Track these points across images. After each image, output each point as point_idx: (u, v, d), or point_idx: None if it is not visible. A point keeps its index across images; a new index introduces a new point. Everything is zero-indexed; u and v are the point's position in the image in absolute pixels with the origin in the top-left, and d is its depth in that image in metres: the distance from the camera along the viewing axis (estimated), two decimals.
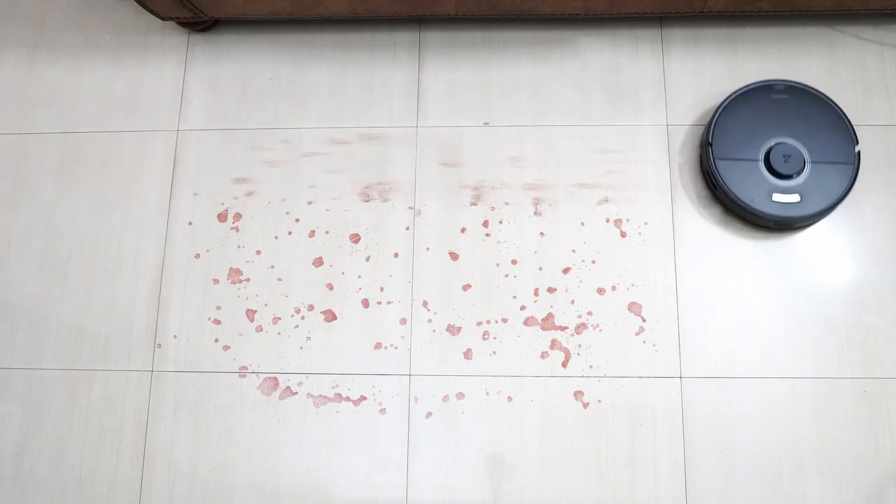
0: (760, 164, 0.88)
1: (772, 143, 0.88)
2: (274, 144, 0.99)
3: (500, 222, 0.95)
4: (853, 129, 0.90)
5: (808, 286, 0.91)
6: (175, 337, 0.93)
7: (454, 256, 0.94)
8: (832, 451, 0.87)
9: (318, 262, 0.94)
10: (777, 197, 0.87)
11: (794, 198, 0.87)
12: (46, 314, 0.95)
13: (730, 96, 0.91)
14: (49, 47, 1.05)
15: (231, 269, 0.95)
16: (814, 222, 0.91)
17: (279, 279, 0.94)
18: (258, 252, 0.95)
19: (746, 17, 1.00)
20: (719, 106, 0.91)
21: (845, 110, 0.96)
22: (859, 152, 0.88)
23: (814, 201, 0.88)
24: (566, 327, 0.91)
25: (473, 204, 0.95)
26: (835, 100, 0.96)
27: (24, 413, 0.92)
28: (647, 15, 0.95)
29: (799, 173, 0.88)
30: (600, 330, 0.91)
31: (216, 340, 0.93)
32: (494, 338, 0.91)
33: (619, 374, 0.90)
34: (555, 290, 0.92)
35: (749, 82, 0.93)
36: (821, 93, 0.91)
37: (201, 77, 1.02)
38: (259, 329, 0.93)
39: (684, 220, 0.94)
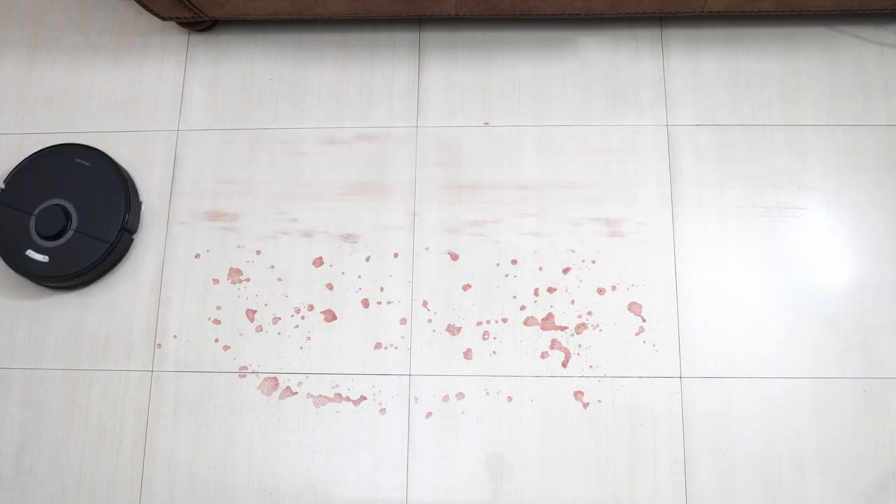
0: (32, 218, 0.92)
1: (49, 202, 0.92)
2: (274, 144, 0.99)
3: (500, 222, 0.95)
4: (128, 213, 0.93)
5: (808, 286, 0.91)
6: (175, 337, 0.93)
7: (454, 256, 0.94)
8: (832, 451, 0.87)
9: (318, 262, 0.94)
10: (30, 253, 0.91)
11: (44, 258, 0.91)
12: (46, 314, 0.95)
13: (37, 152, 0.96)
14: (49, 47, 1.05)
15: (231, 269, 0.95)
16: (61, 285, 0.94)
17: (279, 279, 0.94)
18: (258, 252, 0.95)
19: (746, 17, 1.00)
20: (26, 158, 0.96)
21: (845, 110, 0.96)
22: (122, 233, 0.92)
23: (60, 266, 0.91)
24: (566, 327, 0.91)
25: (473, 204, 0.95)
26: (834, 100, 0.96)
27: (24, 413, 0.92)
28: (647, 15, 0.95)
29: (58, 237, 0.92)
30: (600, 330, 0.91)
31: (216, 340, 0.93)
32: (494, 338, 0.91)
33: (619, 374, 0.90)
34: (555, 290, 0.92)
35: (62, 143, 0.97)
36: (121, 169, 0.96)
37: (201, 77, 1.02)
38: (259, 329, 0.93)
39: (684, 220, 0.94)
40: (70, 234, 0.91)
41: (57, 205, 0.92)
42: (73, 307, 0.95)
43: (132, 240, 0.95)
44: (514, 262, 0.93)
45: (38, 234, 0.91)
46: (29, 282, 0.95)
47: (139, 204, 0.95)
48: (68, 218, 0.92)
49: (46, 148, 0.96)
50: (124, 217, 0.92)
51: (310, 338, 0.92)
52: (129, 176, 0.95)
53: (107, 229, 0.92)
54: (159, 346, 0.93)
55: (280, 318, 0.93)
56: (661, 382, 0.89)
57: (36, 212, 0.92)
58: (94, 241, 0.91)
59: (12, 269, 0.92)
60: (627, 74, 0.99)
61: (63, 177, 0.94)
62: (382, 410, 0.90)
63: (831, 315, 0.90)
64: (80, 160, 0.94)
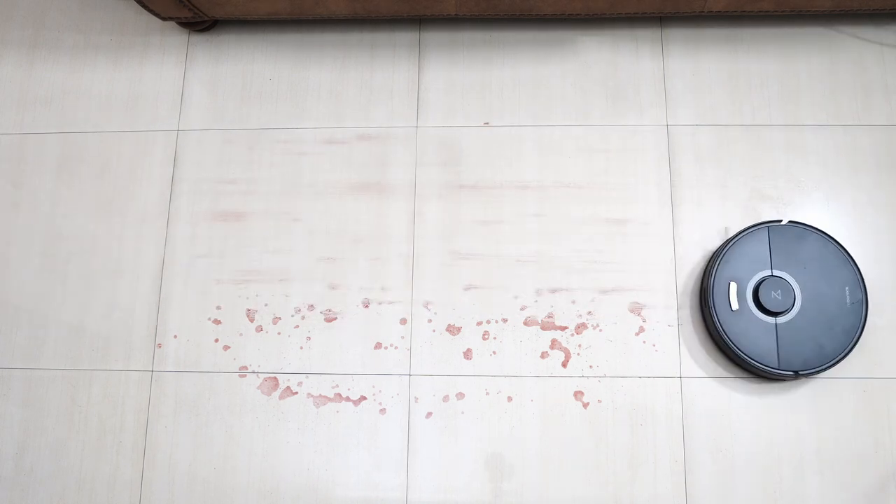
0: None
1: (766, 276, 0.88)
2: (274, 144, 0.99)
3: (501, 222, 0.95)
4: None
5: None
6: (175, 337, 0.93)
7: (454, 256, 0.94)
8: (832, 451, 0.87)
9: (319, 262, 0.94)
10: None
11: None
12: (46, 314, 0.95)
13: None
14: (49, 47, 1.05)
15: (231, 268, 0.95)
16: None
17: (279, 279, 0.94)
18: (258, 252, 0.95)
19: (746, 17, 1.00)
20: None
21: (845, 110, 0.96)
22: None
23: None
24: (566, 327, 0.91)
25: (473, 204, 0.95)
26: (834, 100, 0.96)
27: (24, 413, 0.92)
28: (647, 15, 0.95)
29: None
30: (600, 330, 0.91)
31: (216, 340, 0.93)
32: (494, 338, 0.91)
33: (619, 374, 0.90)
34: (554, 290, 0.92)
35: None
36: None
37: (201, 77, 1.02)
38: (259, 329, 0.93)
39: (684, 220, 0.94)
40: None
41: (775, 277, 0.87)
42: (74, 307, 0.95)
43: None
44: (514, 262, 0.93)
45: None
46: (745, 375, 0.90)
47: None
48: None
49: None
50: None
51: (310, 338, 0.92)
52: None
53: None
54: (159, 346, 0.93)
55: (280, 318, 0.93)
56: (661, 382, 0.89)
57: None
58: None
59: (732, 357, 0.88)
60: (627, 74, 0.99)
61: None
62: (382, 410, 0.90)
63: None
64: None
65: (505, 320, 0.91)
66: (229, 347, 0.93)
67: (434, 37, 1.02)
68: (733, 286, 0.86)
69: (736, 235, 0.89)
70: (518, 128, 0.98)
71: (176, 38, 1.04)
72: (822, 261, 0.88)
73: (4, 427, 0.92)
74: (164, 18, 0.98)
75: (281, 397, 0.91)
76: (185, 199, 0.98)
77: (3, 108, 1.03)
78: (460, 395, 0.90)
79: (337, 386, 0.91)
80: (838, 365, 0.86)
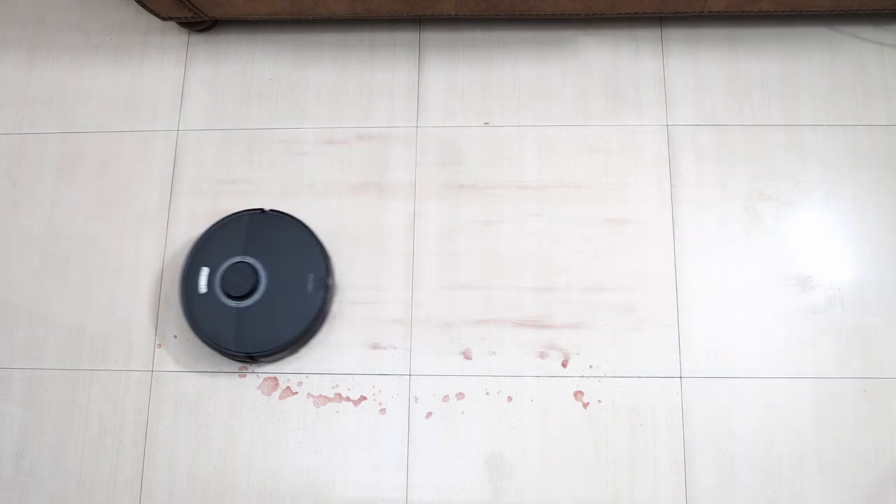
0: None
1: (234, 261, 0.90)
2: (274, 144, 0.99)
3: (501, 222, 0.95)
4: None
5: (808, 286, 0.91)
6: (175, 337, 0.93)
7: (454, 256, 0.94)
8: (832, 451, 0.87)
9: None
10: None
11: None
12: (46, 314, 0.95)
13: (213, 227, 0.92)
14: (49, 47, 1.05)
15: None
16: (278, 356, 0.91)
17: None
18: None
19: (746, 17, 1.00)
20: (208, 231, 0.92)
21: (845, 110, 0.96)
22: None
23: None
24: (566, 327, 0.91)
25: (473, 204, 0.95)
26: (834, 100, 0.96)
27: (24, 413, 0.92)
28: (647, 15, 0.95)
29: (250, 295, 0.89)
30: (600, 330, 0.91)
31: None
32: (494, 338, 0.91)
33: (618, 374, 0.90)
34: (555, 289, 0.92)
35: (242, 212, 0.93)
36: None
37: (201, 77, 1.02)
38: None
39: (684, 220, 0.94)
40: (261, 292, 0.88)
41: (241, 262, 0.89)
42: (74, 307, 0.95)
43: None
44: (513, 261, 0.93)
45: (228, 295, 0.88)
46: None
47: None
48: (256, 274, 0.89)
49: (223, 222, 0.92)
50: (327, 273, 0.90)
51: (310, 337, 0.92)
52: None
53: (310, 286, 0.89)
54: (159, 346, 0.93)
55: None
56: (661, 382, 0.89)
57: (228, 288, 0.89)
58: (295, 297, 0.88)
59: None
60: (627, 74, 0.99)
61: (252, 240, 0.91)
62: (382, 410, 0.90)
63: (831, 315, 0.90)
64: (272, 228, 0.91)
65: (505, 320, 0.91)
66: None
67: (434, 37, 1.02)
68: (204, 270, 0.88)
69: (219, 222, 0.91)
70: (518, 128, 0.98)
71: (176, 38, 1.04)
72: (294, 249, 0.90)
73: (4, 427, 0.92)
74: (164, 18, 0.98)
75: (281, 397, 0.91)
76: (185, 199, 0.98)
77: (3, 108, 1.03)
78: (460, 395, 0.90)
79: (337, 386, 0.91)
80: (839, 366, 0.86)
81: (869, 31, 0.99)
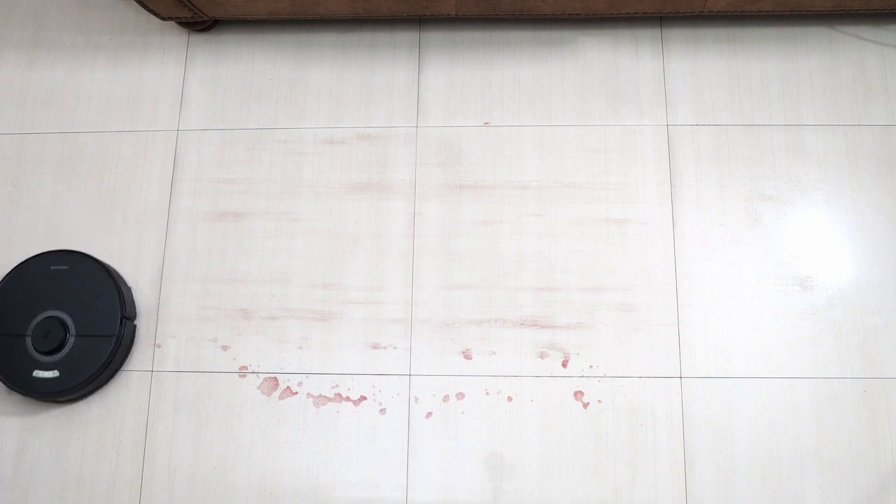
0: (28, 339, 0.88)
1: (40, 317, 0.88)
2: (274, 144, 0.99)
3: (500, 222, 0.95)
4: (122, 301, 0.90)
5: (808, 286, 0.91)
6: (175, 337, 0.93)
7: (454, 256, 0.94)
8: (832, 451, 0.87)
9: (318, 262, 0.94)
10: (38, 373, 0.87)
11: (54, 373, 0.87)
12: None
13: (7, 276, 0.91)
14: (49, 47, 1.05)
15: (231, 268, 0.95)
16: (77, 395, 0.90)
17: (279, 279, 0.94)
18: (258, 252, 0.95)
19: (746, 17, 1.00)
20: None
21: (845, 110, 0.96)
22: (125, 321, 0.89)
23: (72, 376, 0.87)
24: (566, 327, 0.91)
25: (473, 204, 0.95)
26: (834, 100, 0.96)
27: (24, 413, 0.92)
28: (647, 15, 0.95)
29: (60, 348, 0.87)
30: (600, 330, 0.91)
31: (216, 340, 0.93)
32: (494, 338, 0.91)
33: (619, 374, 0.90)
34: (554, 289, 0.92)
35: (30, 255, 0.93)
36: (99, 261, 0.92)
37: (201, 77, 1.02)
38: (259, 329, 0.93)
39: (684, 220, 0.94)
40: (72, 340, 0.88)
41: (50, 317, 0.88)
42: None
43: (134, 326, 0.92)
44: (513, 261, 0.93)
45: (38, 352, 0.88)
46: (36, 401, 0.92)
47: (129, 290, 0.93)
48: (65, 327, 0.88)
49: (15, 268, 0.91)
50: (121, 306, 0.89)
51: (310, 338, 0.92)
52: (110, 267, 0.92)
53: (107, 324, 0.89)
54: (159, 346, 0.93)
55: (280, 318, 0.93)
56: (661, 382, 0.89)
57: (30, 331, 0.88)
58: (98, 340, 0.88)
59: (21, 393, 0.89)
60: (627, 74, 0.99)
61: (46, 288, 0.90)
62: (382, 410, 0.90)
63: (831, 315, 0.90)
64: (55, 267, 0.90)
65: (505, 320, 0.92)
66: (229, 347, 0.93)
67: (434, 37, 1.02)
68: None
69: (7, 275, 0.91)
70: (518, 128, 0.98)
71: (176, 38, 1.04)
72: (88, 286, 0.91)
73: (4, 427, 0.92)
74: (164, 18, 0.98)
75: (281, 397, 0.91)
76: (185, 199, 0.98)
77: (3, 108, 1.03)
78: (460, 395, 0.90)
79: (337, 386, 0.91)
80: (839, 366, 0.86)
81: (869, 31, 0.99)
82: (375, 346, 0.92)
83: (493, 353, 0.91)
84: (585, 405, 0.89)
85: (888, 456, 0.86)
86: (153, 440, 0.91)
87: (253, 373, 0.92)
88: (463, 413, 0.89)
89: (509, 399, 0.89)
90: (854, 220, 0.93)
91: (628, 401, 0.89)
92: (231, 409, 0.91)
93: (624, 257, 0.93)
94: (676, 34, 1.00)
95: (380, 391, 0.90)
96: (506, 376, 0.90)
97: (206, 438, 0.90)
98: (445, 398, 0.90)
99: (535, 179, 0.96)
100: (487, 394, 0.90)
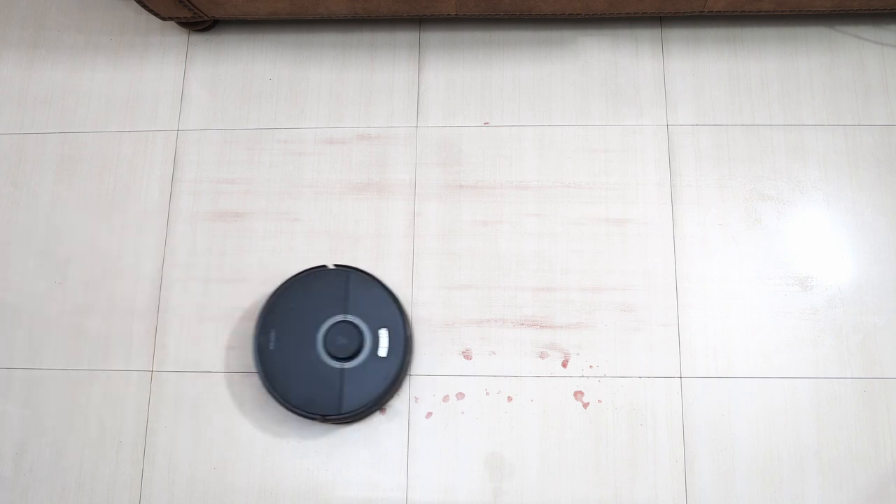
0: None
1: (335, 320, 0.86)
2: (274, 144, 0.99)
3: (500, 222, 0.95)
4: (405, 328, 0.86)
5: (808, 286, 0.91)
6: (175, 337, 0.93)
7: (454, 256, 0.94)
8: (832, 451, 0.87)
9: (319, 262, 0.94)
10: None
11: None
12: (46, 314, 0.95)
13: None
14: (49, 47, 1.05)
15: (231, 268, 0.95)
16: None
17: (280, 279, 0.94)
18: (258, 252, 0.95)
19: (746, 17, 1.00)
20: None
21: (845, 110, 0.96)
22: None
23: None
24: (566, 327, 0.91)
25: (473, 204, 0.95)
26: (834, 100, 0.96)
27: (24, 413, 0.92)
28: (647, 15, 0.95)
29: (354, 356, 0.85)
30: (600, 330, 0.91)
31: (216, 340, 0.93)
32: (494, 338, 0.91)
33: (619, 374, 0.90)
34: (554, 289, 0.92)
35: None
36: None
37: (201, 77, 1.02)
38: None
39: (684, 220, 0.94)
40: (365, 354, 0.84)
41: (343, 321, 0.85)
42: (74, 307, 0.95)
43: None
44: (513, 261, 0.93)
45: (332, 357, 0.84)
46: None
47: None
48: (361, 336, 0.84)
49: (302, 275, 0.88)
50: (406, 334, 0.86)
51: None
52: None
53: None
54: (159, 346, 0.93)
55: None
56: (661, 382, 0.89)
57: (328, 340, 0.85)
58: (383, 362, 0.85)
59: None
60: (627, 74, 0.99)
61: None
62: (382, 410, 0.90)
63: (831, 315, 0.90)
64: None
65: (505, 320, 0.91)
66: (229, 347, 0.92)
67: (434, 37, 1.02)
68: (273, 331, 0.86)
69: (284, 284, 0.88)
70: (518, 128, 0.98)
71: (176, 38, 1.04)
72: (366, 302, 0.87)
73: (4, 427, 0.92)
74: (164, 18, 0.98)
75: None
76: (185, 199, 0.98)
77: (3, 108, 1.03)
78: (460, 395, 0.90)
79: None
80: (839, 366, 0.86)
81: (869, 31, 0.99)
82: None
83: (493, 353, 0.91)
84: (585, 405, 0.89)
85: (888, 456, 0.86)
86: (153, 440, 0.91)
87: (253, 373, 0.92)
88: (463, 413, 0.89)
89: (509, 399, 0.89)
90: (854, 220, 0.93)
91: (628, 401, 0.89)
92: (231, 409, 0.91)
93: (624, 257, 0.93)
94: (676, 34, 1.00)
95: None
96: (506, 376, 0.90)
97: (206, 438, 0.90)
98: (445, 398, 0.90)
99: (535, 179, 0.96)
100: (487, 394, 0.90)
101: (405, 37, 1.02)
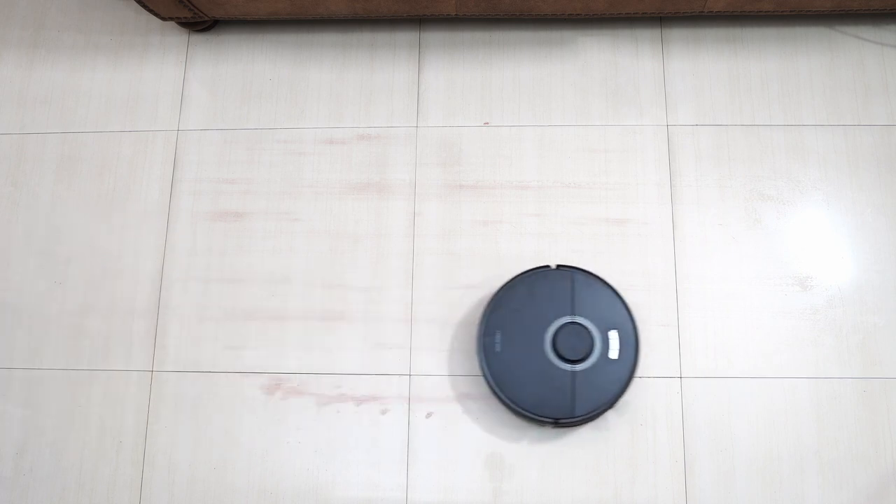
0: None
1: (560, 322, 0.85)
2: (274, 144, 0.99)
3: (500, 222, 0.95)
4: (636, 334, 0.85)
5: (808, 286, 0.91)
6: (175, 337, 0.93)
7: (454, 256, 0.94)
8: (832, 451, 0.87)
9: (318, 262, 0.94)
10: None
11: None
12: (46, 314, 0.95)
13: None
14: (49, 47, 1.05)
15: (231, 268, 0.95)
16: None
17: (279, 279, 0.94)
18: (258, 252, 0.95)
19: (746, 17, 1.00)
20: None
21: (845, 110, 0.96)
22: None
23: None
24: None
25: (473, 204, 0.95)
26: (834, 100, 0.96)
27: (24, 413, 0.92)
28: (647, 15, 0.95)
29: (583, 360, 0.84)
30: None
31: (216, 340, 0.93)
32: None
33: None
34: None
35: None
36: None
37: (201, 77, 1.02)
38: (259, 329, 0.93)
39: (684, 220, 0.94)
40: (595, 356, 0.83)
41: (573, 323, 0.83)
42: (74, 307, 0.95)
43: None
44: (513, 261, 0.93)
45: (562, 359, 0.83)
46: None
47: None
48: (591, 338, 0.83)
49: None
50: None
51: (310, 338, 0.92)
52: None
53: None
54: (159, 346, 0.93)
55: (280, 318, 0.93)
56: (661, 382, 0.89)
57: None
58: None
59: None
60: (627, 74, 0.99)
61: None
62: (383, 410, 0.90)
63: (831, 315, 0.90)
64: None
65: None
66: (229, 347, 0.93)
67: (434, 37, 1.02)
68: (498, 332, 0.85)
69: (510, 282, 0.87)
70: (518, 128, 0.98)
71: (176, 38, 1.04)
72: (593, 304, 0.86)
73: (4, 427, 0.92)
74: (164, 18, 0.98)
75: (281, 397, 0.91)
76: (185, 199, 0.98)
77: (3, 108, 1.03)
78: (461, 395, 0.90)
79: (337, 386, 0.91)
80: (839, 366, 0.86)
81: (869, 31, 0.99)
82: (375, 346, 0.92)
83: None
84: None
85: (888, 456, 0.86)
86: (153, 440, 0.91)
87: (253, 373, 0.92)
88: (463, 413, 0.89)
89: None
90: (854, 220, 0.93)
91: (628, 400, 0.89)
92: (231, 409, 0.91)
93: (624, 257, 0.93)
94: (676, 34, 1.00)
95: (380, 391, 0.90)
96: None
97: (206, 438, 0.90)
98: (446, 398, 0.90)
99: (535, 179, 0.96)
100: (488, 394, 0.90)
101: (405, 37, 1.02)
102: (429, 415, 0.90)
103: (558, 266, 0.87)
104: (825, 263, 0.92)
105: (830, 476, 0.86)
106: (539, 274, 0.87)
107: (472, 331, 0.91)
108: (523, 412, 0.83)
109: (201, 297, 0.94)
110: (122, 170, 0.99)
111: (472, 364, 0.91)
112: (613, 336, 0.84)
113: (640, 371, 0.89)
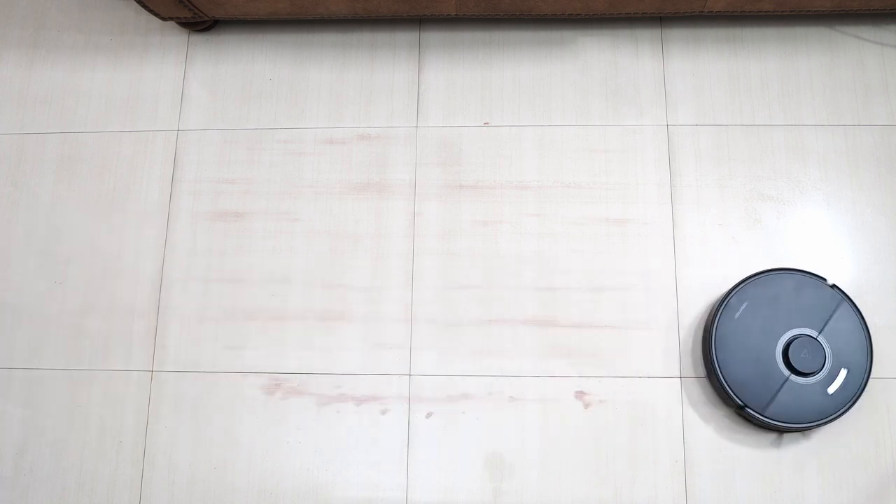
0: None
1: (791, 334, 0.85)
2: (274, 144, 0.99)
3: (500, 222, 0.95)
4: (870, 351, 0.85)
5: None
6: (175, 337, 0.93)
7: (454, 256, 0.94)
8: (832, 451, 0.87)
9: (318, 262, 0.94)
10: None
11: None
12: (46, 314, 0.95)
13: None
14: (49, 47, 1.05)
15: (231, 268, 0.95)
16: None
17: (279, 279, 0.94)
18: (258, 252, 0.95)
19: (746, 17, 1.00)
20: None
21: (845, 110, 0.96)
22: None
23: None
24: (566, 327, 0.91)
25: (473, 204, 0.95)
26: (834, 100, 0.96)
27: (24, 413, 0.92)
28: (647, 15, 0.95)
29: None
30: (601, 329, 0.91)
31: (216, 340, 0.93)
32: (495, 338, 0.91)
33: (619, 374, 0.90)
34: (555, 289, 0.92)
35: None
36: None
37: (201, 77, 1.02)
38: (259, 329, 0.93)
39: (684, 220, 0.94)
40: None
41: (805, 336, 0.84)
42: (74, 307, 0.95)
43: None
44: (514, 261, 0.93)
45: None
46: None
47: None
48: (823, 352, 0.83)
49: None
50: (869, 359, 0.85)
51: (310, 337, 0.92)
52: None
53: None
54: (159, 346, 0.93)
55: (280, 318, 0.93)
56: (661, 382, 0.89)
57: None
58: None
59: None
60: (627, 74, 0.99)
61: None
62: (383, 410, 0.90)
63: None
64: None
65: (505, 320, 0.91)
66: (229, 347, 0.93)
67: (434, 37, 1.02)
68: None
69: (756, 276, 0.87)
70: (518, 128, 0.98)
71: (176, 38, 1.04)
72: (837, 329, 0.86)
73: (4, 427, 0.92)
74: (164, 18, 0.98)
75: (281, 397, 0.91)
76: (185, 199, 0.98)
77: (3, 108, 1.03)
78: (461, 395, 0.90)
79: (337, 386, 0.91)
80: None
81: (869, 31, 0.99)
82: (376, 346, 0.92)
83: (494, 352, 0.91)
84: (586, 405, 0.89)
85: (888, 456, 0.86)
86: (153, 440, 0.91)
87: (253, 373, 0.92)
88: (463, 413, 0.89)
89: (510, 399, 0.89)
90: (854, 220, 0.93)
91: (629, 401, 0.89)
92: (231, 409, 0.91)
93: (624, 257, 0.93)
94: (676, 34, 1.00)
95: (380, 391, 0.90)
96: (506, 376, 0.90)
97: (206, 438, 0.90)
98: (446, 398, 0.90)
99: (535, 179, 0.96)
100: (489, 394, 0.90)
101: (405, 37, 1.02)
102: (429, 415, 0.90)
103: (833, 286, 0.87)
104: (825, 263, 0.92)
105: (830, 476, 0.86)
106: (813, 280, 0.87)
107: (473, 331, 0.91)
108: (721, 382, 0.84)
109: (201, 297, 0.94)
110: (122, 170, 0.99)
111: (474, 364, 0.91)
112: (842, 374, 0.84)
113: (640, 371, 0.89)
